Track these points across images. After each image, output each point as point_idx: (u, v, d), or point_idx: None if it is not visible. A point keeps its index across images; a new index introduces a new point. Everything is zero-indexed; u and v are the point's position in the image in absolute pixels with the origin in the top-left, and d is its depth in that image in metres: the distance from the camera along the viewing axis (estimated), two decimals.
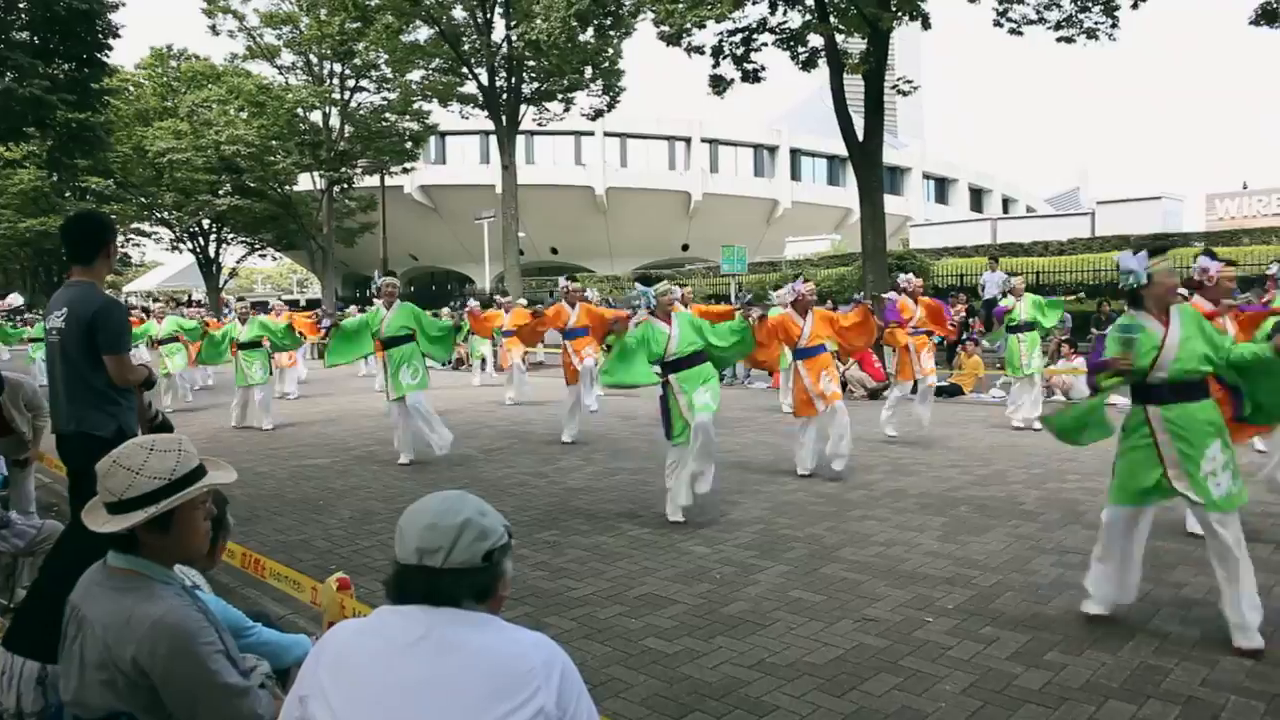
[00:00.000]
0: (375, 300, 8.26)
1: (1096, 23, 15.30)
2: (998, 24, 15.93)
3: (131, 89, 32.95)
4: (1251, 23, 13.74)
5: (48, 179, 29.57)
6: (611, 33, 22.37)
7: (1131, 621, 3.78)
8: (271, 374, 11.25)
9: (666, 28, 15.85)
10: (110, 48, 17.03)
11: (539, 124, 27.03)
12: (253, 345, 10.68)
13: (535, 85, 25.17)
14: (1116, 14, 15.12)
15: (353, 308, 20.44)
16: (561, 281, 10.24)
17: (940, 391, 11.13)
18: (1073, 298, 12.33)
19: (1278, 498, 5.99)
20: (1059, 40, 15.70)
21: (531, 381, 13.45)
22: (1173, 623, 3.76)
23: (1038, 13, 15.55)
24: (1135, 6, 14.91)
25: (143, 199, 33.58)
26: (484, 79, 24.52)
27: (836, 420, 6.91)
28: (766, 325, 6.68)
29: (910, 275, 9.24)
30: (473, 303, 14.55)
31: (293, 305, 44.37)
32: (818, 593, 4.24)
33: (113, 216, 22.59)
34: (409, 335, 7.95)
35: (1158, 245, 3.89)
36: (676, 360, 5.75)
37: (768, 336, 6.76)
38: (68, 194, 32.27)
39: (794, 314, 7.11)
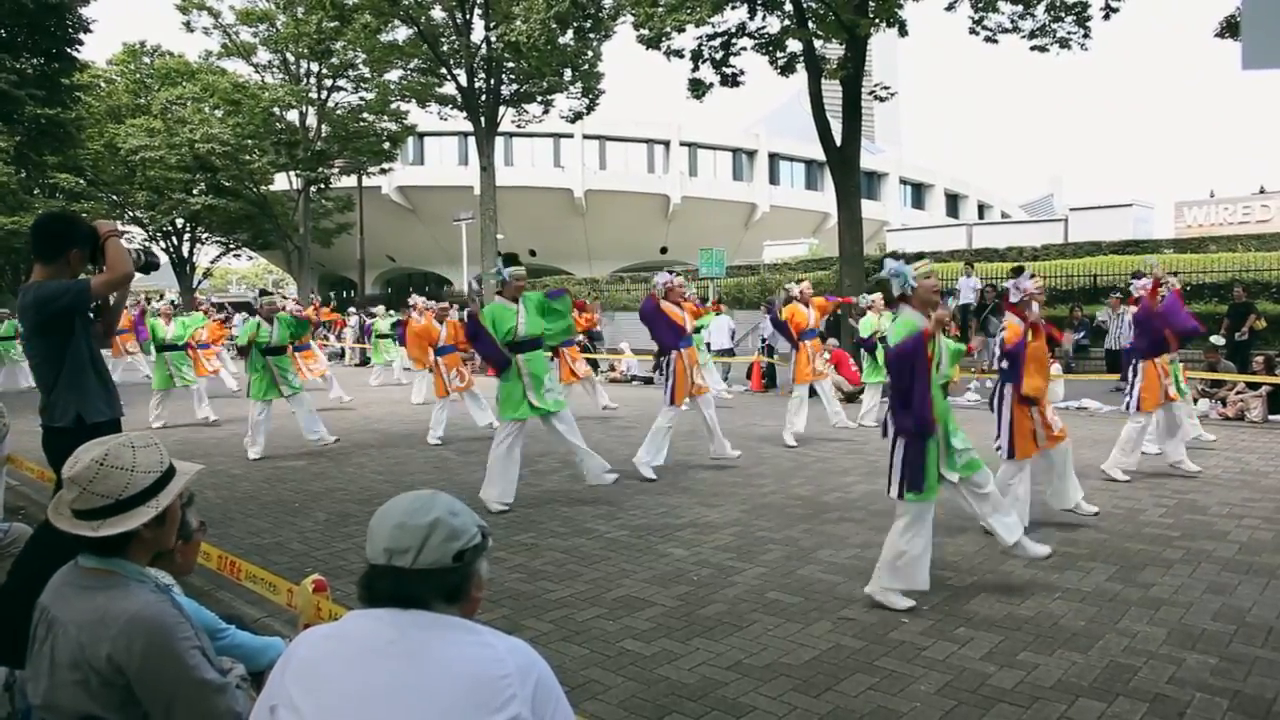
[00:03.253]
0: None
1: (1069, 32, 15.58)
2: (973, 32, 16.17)
3: (103, 85, 32.40)
4: (1217, 35, 14.05)
5: (15, 175, 28.99)
6: (591, 35, 22.37)
7: (1101, 621, 3.85)
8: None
9: (646, 31, 15.88)
10: (81, 42, 16.79)
11: (518, 126, 26.96)
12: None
13: (514, 87, 25.10)
14: (1088, 24, 15.40)
15: (379, 309, 20.25)
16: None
17: None
18: None
19: (1243, 498, 6.13)
20: (1033, 49, 15.95)
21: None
22: (1141, 622, 3.83)
23: (1012, 22, 15.80)
24: (1107, 17, 15.19)
25: (114, 197, 33.04)
26: (463, 80, 24.40)
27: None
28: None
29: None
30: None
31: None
32: (795, 594, 4.27)
33: (84, 215, 22.19)
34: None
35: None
36: (942, 385, 4.18)
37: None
38: (36, 191, 31.66)
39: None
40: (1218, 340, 12.08)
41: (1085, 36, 15.57)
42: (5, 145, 20.51)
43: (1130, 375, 6.98)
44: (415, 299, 11.34)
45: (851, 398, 12.16)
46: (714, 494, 6.56)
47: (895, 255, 4.49)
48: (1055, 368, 9.62)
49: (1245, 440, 8.84)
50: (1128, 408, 7.00)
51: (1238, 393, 10.52)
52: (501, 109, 25.12)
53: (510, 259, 6.22)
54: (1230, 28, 13.70)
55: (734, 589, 4.36)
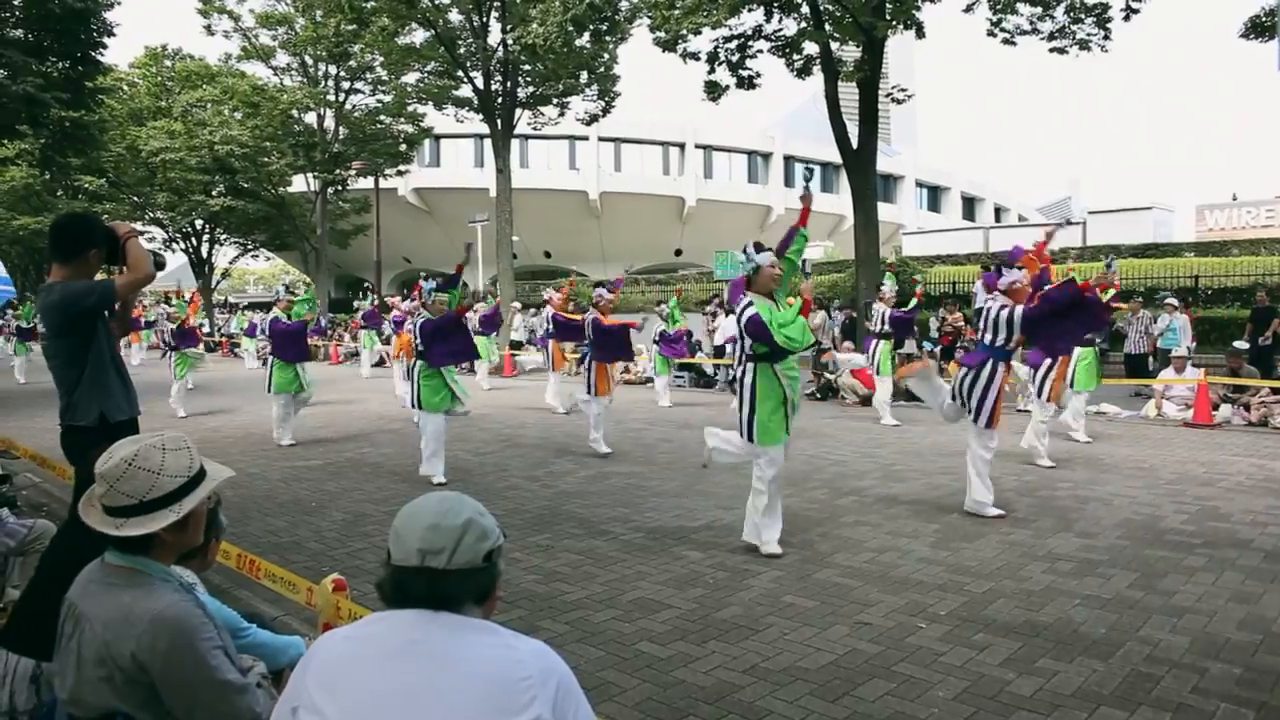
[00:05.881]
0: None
1: (1089, 34, 15.45)
2: (991, 34, 16.07)
3: (125, 88, 32.81)
4: (1241, 36, 13.89)
5: (40, 177, 29.44)
6: (607, 38, 22.41)
7: (1122, 629, 3.80)
8: None
9: (662, 34, 15.90)
10: (105, 46, 17.00)
11: (534, 128, 27.05)
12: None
13: (530, 89, 25.19)
14: (1109, 25, 15.27)
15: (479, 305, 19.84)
16: None
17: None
18: None
19: (1267, 505, 6.04)
20: (1052, 51, 15.84)
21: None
22: (1163, 630, 3.78)
23: (1031, 24, 15.69)
24: (1128, 18, 15.06)
25: (135, 198, 33.45)
26: (479, 82, 24.51)
27: None
28: None
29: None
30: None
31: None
32: (811, 598, 4.25)
33: (105, 215, 22.48)
34: None
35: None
36: None
37: None
38: (60, 192, 32.15)
39: None
40: (1241, 345, 11.93)
41: (1105, 38, 15.45)
42: (31, 147, 20.81)
43: None
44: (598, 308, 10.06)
45: (867, 400, 12.09)
46: (730, 496, 6.54)
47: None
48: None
49: (1269, 446, 8.72)
50: None
51: (1261, 398, 10.38)
52: (517, 111, 25.21)
53: (758, 246, 5.15)
54: (1255, 28, 13.55)
55: (750, 592, 4.35)
